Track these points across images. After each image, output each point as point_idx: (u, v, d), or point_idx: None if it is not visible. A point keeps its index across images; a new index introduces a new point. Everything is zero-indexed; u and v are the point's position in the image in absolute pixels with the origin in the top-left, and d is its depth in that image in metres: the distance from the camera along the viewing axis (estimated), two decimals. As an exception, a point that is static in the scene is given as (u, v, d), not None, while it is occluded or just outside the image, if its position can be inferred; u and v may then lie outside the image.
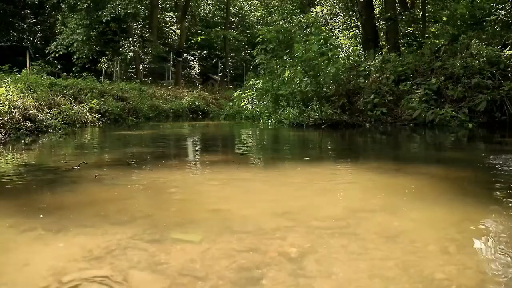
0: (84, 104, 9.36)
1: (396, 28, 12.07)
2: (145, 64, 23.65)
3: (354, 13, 14.84)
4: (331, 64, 8.79)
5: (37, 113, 6.91)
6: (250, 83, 13.09)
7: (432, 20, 14.72)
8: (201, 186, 2.31)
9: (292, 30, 10.76)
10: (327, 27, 14.46)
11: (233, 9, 32.31)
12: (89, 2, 16.18)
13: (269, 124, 8.61)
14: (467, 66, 7.58)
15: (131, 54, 19.51)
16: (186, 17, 25.46)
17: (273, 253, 1.25)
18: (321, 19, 15.43)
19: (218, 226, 1.53)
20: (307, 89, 8.48)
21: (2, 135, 5.65)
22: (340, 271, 1.13)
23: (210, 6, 33.18)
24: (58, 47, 16.72)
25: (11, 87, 7.28)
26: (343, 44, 15.38)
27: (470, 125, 6.65)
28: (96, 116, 9.22)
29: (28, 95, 7.52)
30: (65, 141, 5.60)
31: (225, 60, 28.64)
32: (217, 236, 1.41)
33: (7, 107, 6.28)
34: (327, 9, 17.92)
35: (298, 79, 9.02)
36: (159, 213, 1.76)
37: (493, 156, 3.14)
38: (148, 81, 21.33)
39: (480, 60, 7.65)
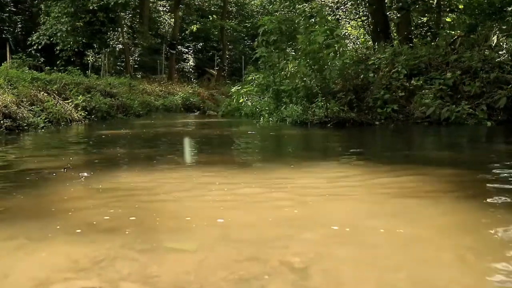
0: (69, 100, 9.35)
1: (409, 18, 12.06)
2: (136, 57, 23.63)
3: (362, 2, 14.84)
4: (338, 57, 8.77)
5: (18, 111, 6.91)
6: (250, 77, 13.09)
7: (448, 9, 14.71)
8: (197, 190, 2.31)
9: (296, 21, 10.75)
10: (333, 17, 14.45)
11: (231, -3, 32.28)
12: (74, -12, 16.12)
13: (270, 122, 8.61)
14: (486, 59, 7.58)
15: (120, 46, 19.49)
16: (180, 6, 25.43)
17: (274, 262, 1.25)
18: (327, 8, 15.41)
19: (215, 234, 1.54)
20: (312, 84, 8.47)
21: (-20, 134, 5.65)
22: (347, 282, 1.14)
23: (206, -6, 33.15)
24: (41, 37, 16.65)
25: (-11, 82, 7.28)
26: (350, 36, 15.38)
27: (489, 123, 6.65)
28: (82, 114, 9.21)
29: (8, 90, 7.51)
30: (49, 140, 5.61)
31: (222, 52, 28.57)
32: (214, 245, 1.42)
33: (-15, 104, 6.29)
34: (333, -3, 17.92)
35: (301, 73, 9.01)
36: (151, 220, 1.76)
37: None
38: (139, 76, 21.32)
39: (500, 52, 7.65)
